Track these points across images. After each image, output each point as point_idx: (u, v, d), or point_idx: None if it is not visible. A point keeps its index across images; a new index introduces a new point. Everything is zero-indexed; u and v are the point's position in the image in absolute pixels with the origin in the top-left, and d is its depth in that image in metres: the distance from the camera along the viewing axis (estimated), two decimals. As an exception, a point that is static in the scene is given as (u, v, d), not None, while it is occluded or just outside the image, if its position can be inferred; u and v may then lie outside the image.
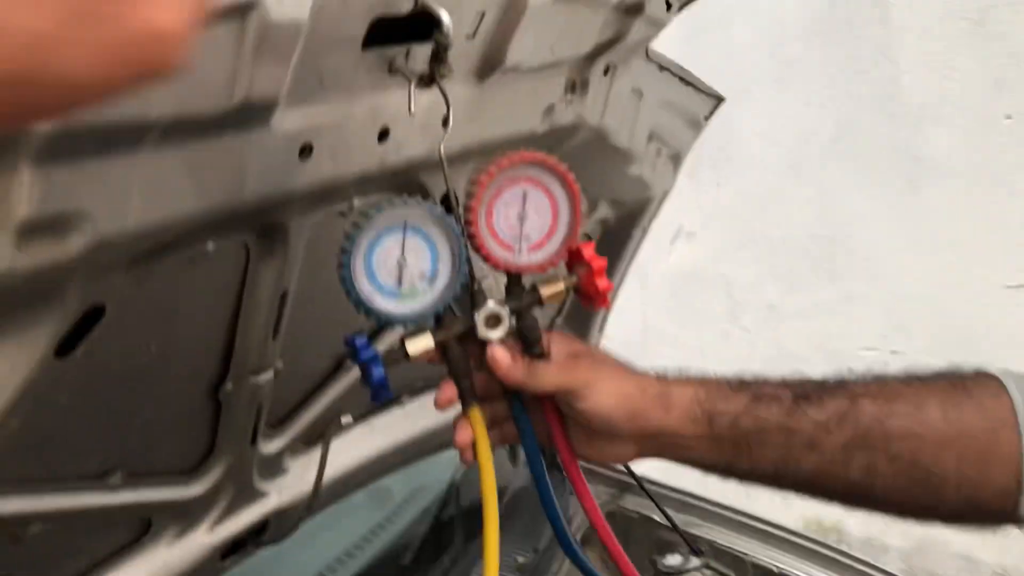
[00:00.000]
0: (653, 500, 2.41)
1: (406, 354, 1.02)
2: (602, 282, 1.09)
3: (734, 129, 4.06)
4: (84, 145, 0.73)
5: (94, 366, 1.05)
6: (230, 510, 1.44)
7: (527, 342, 1.07)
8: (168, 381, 1.21)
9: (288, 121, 0.93)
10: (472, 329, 1.04)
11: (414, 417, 1.87)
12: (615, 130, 1.72)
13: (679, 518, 2.42)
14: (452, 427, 1.07)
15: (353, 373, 1.60)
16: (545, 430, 1.10)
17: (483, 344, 1.05)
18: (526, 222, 1.04)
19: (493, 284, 1.26)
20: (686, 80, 1.93)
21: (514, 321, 1.06)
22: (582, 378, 1.02)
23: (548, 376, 1.03)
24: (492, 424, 1.10)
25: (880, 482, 1.03)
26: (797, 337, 4.25)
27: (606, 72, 1.57)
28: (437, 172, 1.18)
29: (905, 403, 1.04)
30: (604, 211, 2.07)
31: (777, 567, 2.21)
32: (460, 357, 1.05)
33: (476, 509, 2.35)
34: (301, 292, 1.32)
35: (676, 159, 2.13)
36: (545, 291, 1.08)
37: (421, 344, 1.02)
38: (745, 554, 2.27)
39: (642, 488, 2.44)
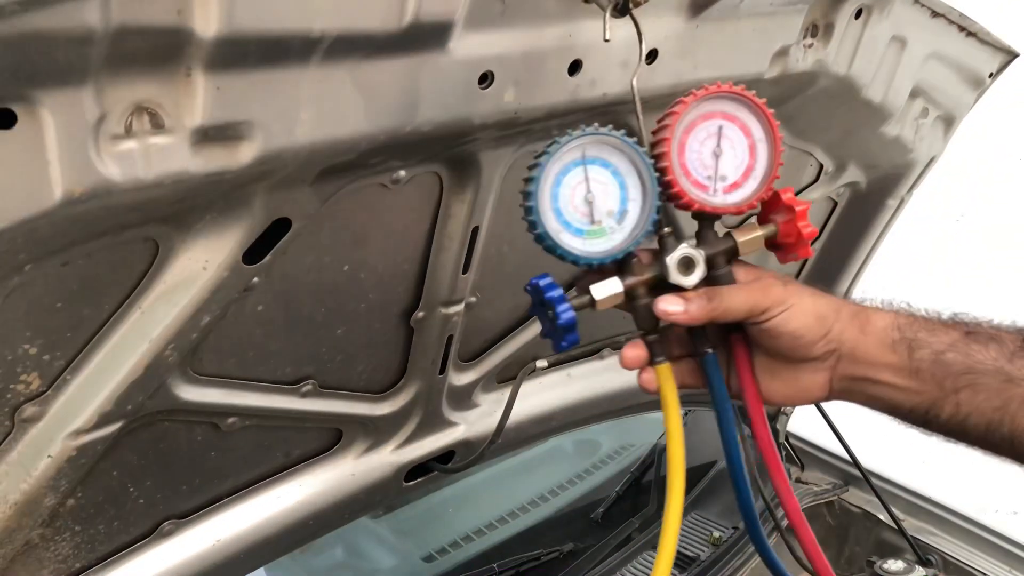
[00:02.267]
0: (878, 495, 2.19)
1: (592, 300, 0.95)
2: (806, 227, 0.98)
3: None
4: (252, 55, 0.76)
5: (285, 278, 1.11)
6: (417, 434, 1.50)
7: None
8: (361, 302, 1.26)
9: (467, 47, 0.91)
10: (663, 275, 0.96)
11: (614, 372, 1.83)
12: (866, 82, 1.52)
13: (908, 522, 2.18)
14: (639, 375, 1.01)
15: (550, 318, 1.58)
16: (735, 382, 1.02)
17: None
18: (721, 160, 0.95)
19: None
20: (967, 30, 1.66)
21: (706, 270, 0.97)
22: (775, 295, 0.93)
23: (738, 298, 0.93)
24: (680, 386, 1.03)
25: None
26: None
27: (858, 15, 1.38)
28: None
29: None
30: (854, 174, 1.86)
31: (1019, 598, 1.93)
32: (646, 309, 0.96)
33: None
34: (499, 232, 1.32)
35: (949, 121, 1.85)
36: (741, 237, 0.98)
37: (608, 289, 0.95)
38: (984, 573, 2.00)
39: (867, 481, 2.23)
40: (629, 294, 0.96)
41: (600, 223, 0.94)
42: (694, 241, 0.99)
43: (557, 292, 0.93)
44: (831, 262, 2.04)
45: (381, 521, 2.26)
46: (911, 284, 3.90)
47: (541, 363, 1.66)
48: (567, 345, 0.94)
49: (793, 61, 1.34)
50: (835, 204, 1.95)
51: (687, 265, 0.96)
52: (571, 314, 0.92)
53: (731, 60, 1.24)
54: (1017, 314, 1.07)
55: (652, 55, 1.12)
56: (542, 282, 0.94)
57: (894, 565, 2.09)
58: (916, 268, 4.00)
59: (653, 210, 0.94)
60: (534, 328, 1.58)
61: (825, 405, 2.20)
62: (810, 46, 1.36)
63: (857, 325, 0.95)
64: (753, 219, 1.02)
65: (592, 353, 1.78)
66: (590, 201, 0.93)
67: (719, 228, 1.01)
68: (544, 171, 0.90)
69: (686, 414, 2.38)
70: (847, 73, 1.46)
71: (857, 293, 2.18)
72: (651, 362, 0.97)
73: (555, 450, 2.57)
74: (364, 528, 2.20)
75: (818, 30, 1.36)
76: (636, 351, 0.97)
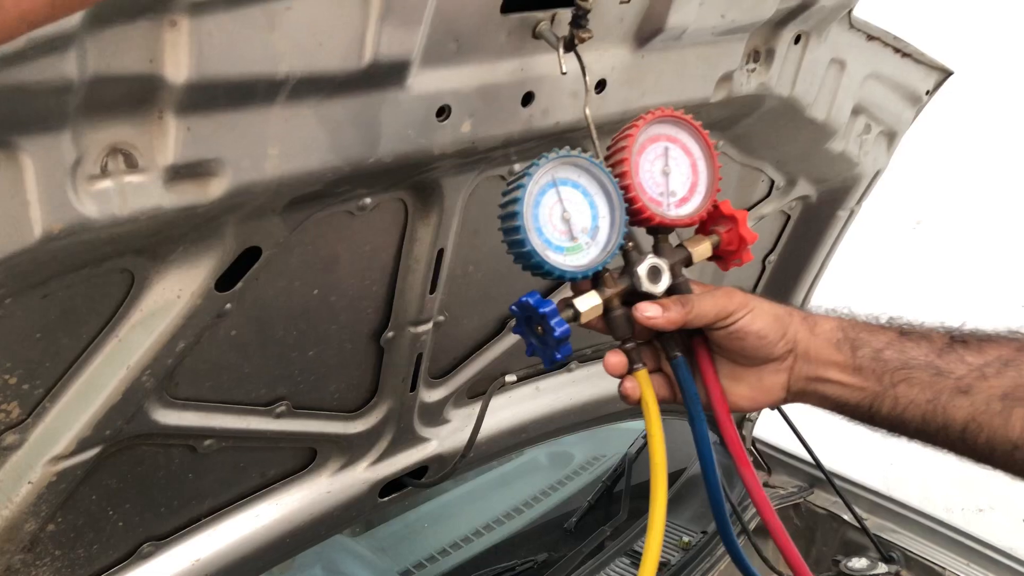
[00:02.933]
0: (841, 496, 2.26)
1: (577, 314, 1.01)
2: (747, 232, 1.06)
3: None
4: (221, 97, 0.81)
5: (257, 303, 1.16)
6: (390, 451, 1.54)
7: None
8: (332, 323, 1.31)
9: (424, 83, 0.97)
10: (634, 286, 1.02)
11: (582, 384, 1.88)
12: (809, 102, 1.60)
13: (871, 520, 2.26)
14: (617, 389, 1.06)
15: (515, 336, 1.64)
16: (701, 388, 1.07)
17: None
18: (670, 177, 1.03)
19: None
20: (902, 51, 1.75)
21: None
22: (738, 300, 1.02)
23: (708, 303, 1.01)
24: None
25: None
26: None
27: (797, 40, 1.46)
28: (588, 139, 1.17)
29: None
30: (804, 188, 1.94)
31: (979, 588, 2.00)
32: (622, 318, 1.03)
33: (646, 487, 2.34)
34: (463, 253, 1.37)
35: (891, 136, 1.94)
36: (693, 247, 1.06)
37: (589, 302, 1.01)
38: (943, 568, 2.07)
39: (831, 483, 2.29)
40: (606, 306, 1.03)
41: (577, 240, 1.00)
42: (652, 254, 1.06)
43: (550, 307, 0.99)
44: (787, 273, 2.12)
45: (359, 539, 2.29)
46: (871, 290, 4.00)
47: (510, 378, 1.72)
48: (561, 358, 1.00)
49: (737, 85, 1.41)
50: (788, 217, 2.03)
51: (655, 274, 1.04)
52: (566, 327, 0.98)
53: (678, 86, 1.30)
54: (973, 315, 1.15)
55: (601, 84, 1.18)
56: (532, 299, 1.00)
57: (858, 563, 2.16)
58: (876, 275, 4.12)
59: (622, 225, 1.00)
60: (502, 344, 1.63)
61: (789, 411, 2.28)
62: (753, 71, 1.43)
63: (807, 327, 1.05)
64: (698, 232, 1.09)
65: (560, 366, 1.83)
66: (567, 219, 0.99)
67: (672, 240, 1.09)
68: (526, 192, 0.95)
69: (654, 424, 2.44)
70: (791, 94, 1.53)
71: (814, 302, 2.26)
72: (630, 369, 1.04)
73: (530, 463, 2.62)
74: (342, 546, 2.23)
75: (760, 55, 1.43)
76: (618, 358, 1.04)
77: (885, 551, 2.21)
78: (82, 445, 1.05)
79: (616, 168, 1.02)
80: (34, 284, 0.88)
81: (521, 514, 2.20)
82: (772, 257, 2.08)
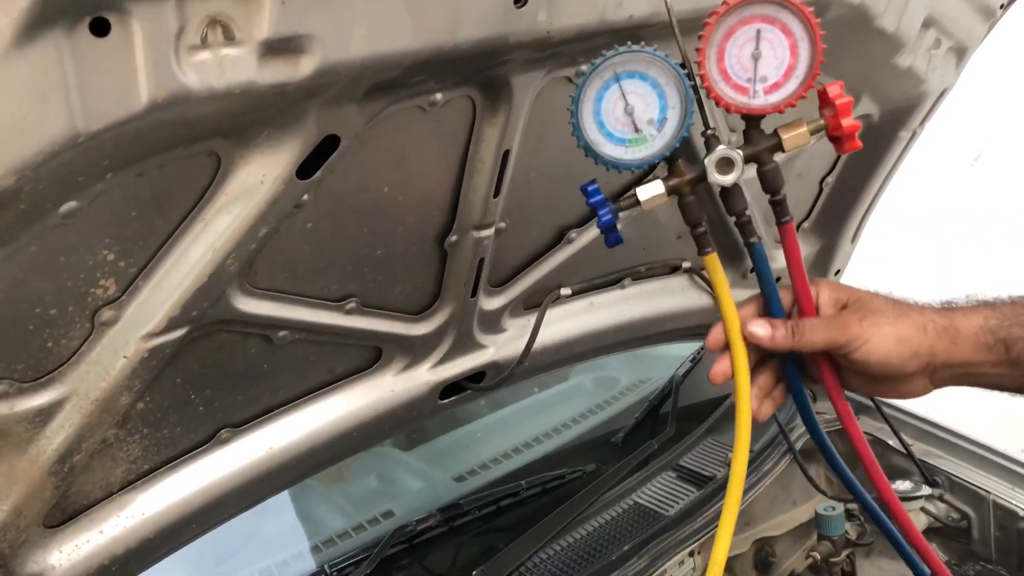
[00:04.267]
0: (887, 421, 2.27)
1: (637, 201, 1.08)
2: (847, 121, 1.06)
3: None
4: (313, -27, 0.83)
5: (332, 197, 1.19)
6: (451, 354, 1.59)
7: (768, 188, 1.09)
8: (399, 224, 1.34)
9: (504, -33, 0.98)
10: (704, 175, 1.07)
11: (634, 302, 1.91)
12: (880, 11, 1.58)
13: (916, 446, 2.27)
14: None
15: (574, 246, 1.66)
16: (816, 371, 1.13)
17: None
18: (761, 62, 1.03)
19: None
20: (978, -41, 1.71)
21: (744, 169, 1.07)
22: (852, 332, 1.02)
23: (816, 334, 1.03)
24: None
25: None
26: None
27: (870, -59, 1.44)
28: (662, 36, 1.18)
29: None
30: (867, 106, 1.91)
31: (1024, 510, 2.02)
32: (694, 205, 1.09)
33: (696, 409, 2.36)
34: (527, 159, 1.39)
35: (961, 52, 1.90)
36: (786, 134, 1.07)
37: (651, 191, 1.07)
38: (987, 491, 2.09)
39: (879, 409, 2.31)
40: (677, 192, 1.09)
41: (641, 132, 1.05)
42: (738, 142, 1.09)
43: (599, 197, 1.08)
44: (844, 196, 2.10)
45: (410, 453, 2.36)
46: (924, 232, 3.93)
47: (565, 291, 1.75)
48: (610, 244, 1.10)
49: (808, -13, 1.40)
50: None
51: (726, 165, 1.07)
52: (608, 217, 1.07)
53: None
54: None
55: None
56: (589, 188, 1.09)
57: (903, 485, 2.19)
58: (929, 215, 4.05)
59: (688, 117, 1.04)
60: (559, 256, 1.66)
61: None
62: (823, -27, 1.41)
63: (947, 338, 1.03)
64: (803, 116, 1.09)
65: (614, 283, 1.86)
66: (630, 112, 1.04)
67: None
68: (582, 90, 1.02)
69: (702, 347, 2.47)
70: (861, 1, 1.51)
71: (866, 232, 2.24)
72: (700, 252, 1.11)
73: (575, 387, 2.66)
74: (394, 458, 2.30)
75: (833, -43, 1.41)
76: (719, 335, 1.09)
77: (930, 475, 2.23)
78: (172, 324, 1.10)
79: (696, 56, 1.04)
80: (132, 160, 0.92)
81: (568, 429, 2.25)
82: (829, 179, 2.06)
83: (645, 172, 1.58)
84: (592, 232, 1.66)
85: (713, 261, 1.11)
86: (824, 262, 2.22)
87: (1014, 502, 2.08)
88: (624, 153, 1.05)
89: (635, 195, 1.09)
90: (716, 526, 1.86)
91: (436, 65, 1.05)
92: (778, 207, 1.15)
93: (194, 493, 1.34)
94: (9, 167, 0.76)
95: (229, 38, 0.83)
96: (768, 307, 1.13)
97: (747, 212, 1.18)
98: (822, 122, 1.08)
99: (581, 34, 1.14)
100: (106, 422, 1.13)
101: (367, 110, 1.08)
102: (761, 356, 1.12)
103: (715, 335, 1.09)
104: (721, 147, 1.06)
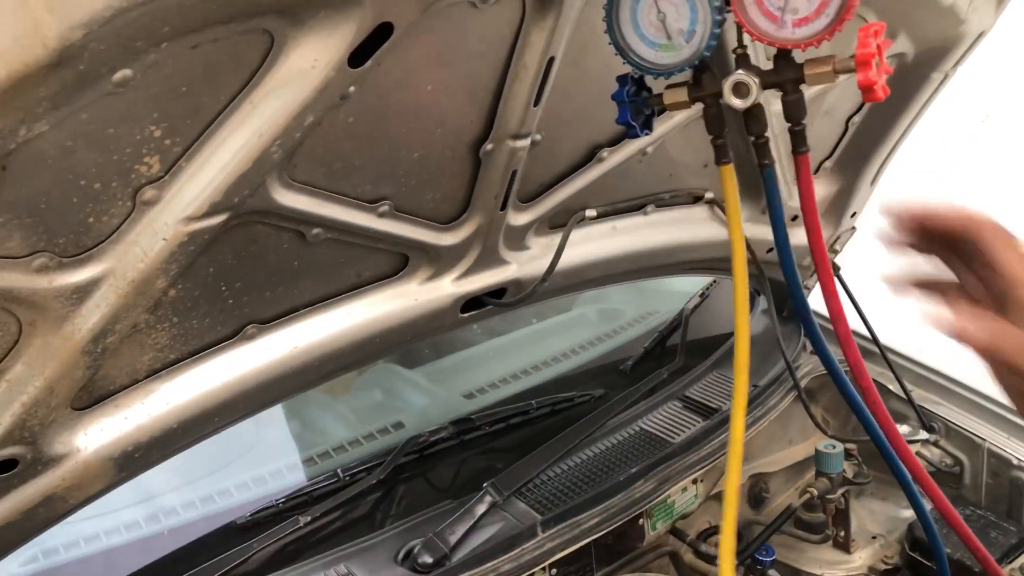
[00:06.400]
0: (891, 367, 2.30)
1: (661, 100, 1.14)
2: (865, 78, 1.04)
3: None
4: None
5: (377, 92, 1.17)
6: (475, 268, 1.58)
7: (789, 117, 1.09)
8: (438, 126, 1.32)
9: None
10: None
11: (657, 228, 1.90)
12: (929, -59, 1.55)
13: (916, 392, 2.30)
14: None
15: (605, 164, 1.65)
16: None
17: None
18: None
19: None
20: None
21: (760, 95, 1.08)
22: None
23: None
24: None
25: None
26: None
27: None
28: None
29: None
30: (903, 44, 1.88)
31: (1017, 459, 2.06)
32: (715, 116, 1.13)
33: (704, 343, 2.37)
34: (568, 71, 1.37)
35: (1000, -6, 1.87)
36: (810, 70, 1.05)
37: (676, 96, 1.12)
38: (982, 439, 2.13)
39: (883, 355, 2.34)
40: (701, 101, 1.12)
41: (672, 39, 1.08)
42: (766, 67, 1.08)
43: (621, 94, 1.16)
44: (870, 136, 2.09)
45: (415, 371, 2.37)
46: (936, 189, 3.95)
47: (590, 213, 1.74)
48: (632, 136, 1.18)
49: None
50: (880, 75, 1.98)
51: (742, 90, 1.09)
52: (626, 118, 1.16)
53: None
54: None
55: None
56: (619, 79, 1.16)
57: (901, 429, 2.22)
58: (942, 173, 4.05)
59: (711, 35, 1.05)
60: (588, 175, 1.64)
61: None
62: None
63: None
64: (836, 53, 1.07)
65: (637, 208, 1.85)
66: (662, 19, 1.07)
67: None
68: None
69: (712, 283, 2.48)
70: (913, -69, 1.48)
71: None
72: (718, 161, 1.15)
73: (579, 316, 2.67)
74: (398, 374, 2.31)
75: None
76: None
77: (927, 420, 2.27)
78: (213, 208, 1.08)
79: None
80: (191, 29, 0.89)
81: (576, 355, 2.27)
82: (856, 118, 2.05)
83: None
84: (623, 152, 1.65)
85: (728, 172, 1.15)
86: (842, 203, 2.22)
87: (1008, 450, 2.12)
88: (655, 56, 1.09)
89: (660, 96, 1.14)
90: (721, 455, 1.91)
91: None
92: (796, 137, 1.14)
93: (218, 386, 1.34)
94: (78, 20, 0.73)
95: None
96: (776, 237, 1.16)
97: (766, 134, 1.17)
98: (852, 63, 1.06)
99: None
100: (140, 305, 1.12)
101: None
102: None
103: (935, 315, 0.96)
104: (739, 71, 1.08)
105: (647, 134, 1.15)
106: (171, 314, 1.21)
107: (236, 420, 1.41)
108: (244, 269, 1.25)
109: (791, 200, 2.01)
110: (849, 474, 2.19)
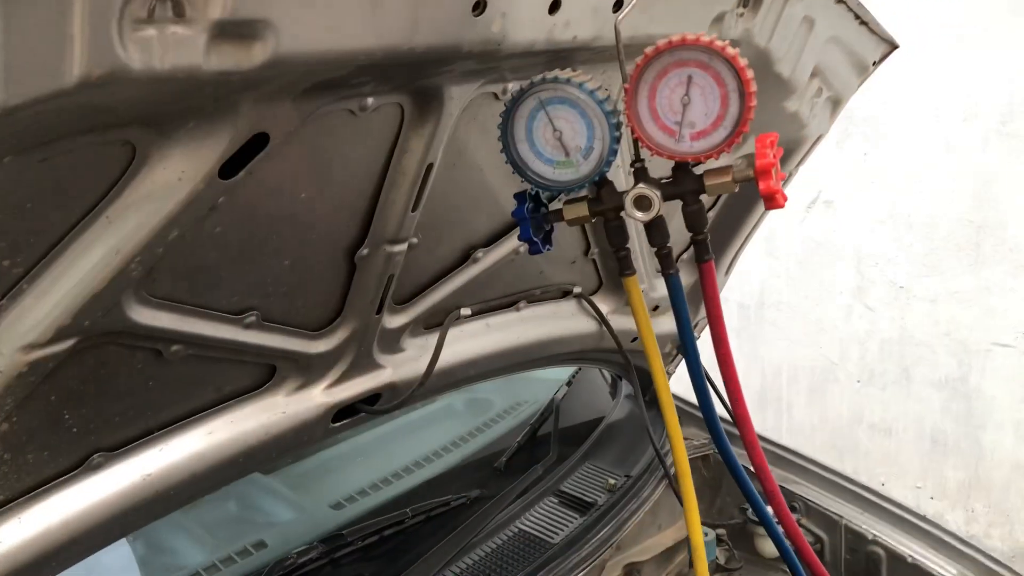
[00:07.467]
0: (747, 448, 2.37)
1: (562, 216, 1.15)
2: (767, 187, 1.08)
3: (893, 96, 3.84)
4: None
5: (247, 201, 1.09)
6: (348, 375, 1.49)
7: (691, 227, 1.12)
8: (311, 233, 1.25)
9: (469, -28, 0.93)
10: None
11: (529, 324, 1.88)
12: (780, 57, 1.65)
13: (775, 472, 2.37)
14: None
15: (479, 265, 1.62)
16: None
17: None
18: (690, 108, 1.02)
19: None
20: (861, 19, 1.83)
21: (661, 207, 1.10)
22: None
23: None
24: None
25: None
26: (923, 323, 4.05)
27: (782, -10, 1.50)
28: (596, 63, 1.17)
29: None
30: (751, 145, 1.99)
31: (872, 534, 2.15)
32: (617, 228, 1.15)
33: (573, 431, 2.36)
34: (445, 173, 1.34)
35: (836, 103, 2.03)
36: (710, 180, 1.07)
37: (576, 211, 1.13)
38: (839, 516, 2.21)
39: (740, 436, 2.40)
40: (603, 216, 1.14)
41: (570, 156, 1.07)
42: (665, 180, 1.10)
43: (521, 212, 1.16)
44: (723, 231, 2.18)
45: (273, 477, 2.21)
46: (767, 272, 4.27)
47: (465, 311, 1.70)
48: (534, 252, 1.19)
49: (726, 27, 1.43)
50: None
51: (643, 203, 1.09)
52: (528, 235, 1.16)
53: (681, 19, 1.31)
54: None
55: (619, 3, 1.17)
56: (518, 197, 1.17)
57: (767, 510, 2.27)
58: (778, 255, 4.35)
59: (609, 153, 1.05)
60: (463, 276, 1.61)
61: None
62: (741, 15, 1.46)
63: None
64: (733, 162, 1.10)
65: (510, 305, 1.82)
66: (558, 137, 1.06)
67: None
68: (515, 106, 1.07)
69: (576, 372, 2.48)
70: (766, 46, 1.57)
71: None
72: (622, 273, 1.17)
73: (446, 408, 2.60)
74: (254, 482, 2.15)
75: (749, 1, 1.46)
76: None
77: (788, 500, 2.34)
78: (59, 334, 0.96)
79: (623, 92, 1.05)
80: (40, 143, 0.79)
81: (450, 453, 2.19)
82: (711, 213, 2.13)
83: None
84: (497, 252, 1.62)
85: (633, 283, 1.18)
86: (700, 293, 2.29)
87: (864, 525, 2.21)
88: (552, 173, 1.08)
89: (560, 212, 1.14)
90: (601, 555, 1.88)
91: (384, 67, 0.98)
92: (699, 246, 1.18)
93: (57, 525, 1.17)
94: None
95: (179, 15, 0.73)
96: (682, 338, 1.17)
97: (668, 245, 1.19)
98: (750, 172, 1.10)
99: (528, 50, 1.10)
100: (-33, 446, 0.97)
101: (302, 109, 1.00)
102: None
103: None
104: (640, 185, 1.08)
105: (549, 249, 1.14)
106: (1, 451, 1.05)
107: (79, 559, 1.24)
108: (91, 394, 1.12)
109: (652, 292, 2.07)
110: (722, 560, 2.21)
